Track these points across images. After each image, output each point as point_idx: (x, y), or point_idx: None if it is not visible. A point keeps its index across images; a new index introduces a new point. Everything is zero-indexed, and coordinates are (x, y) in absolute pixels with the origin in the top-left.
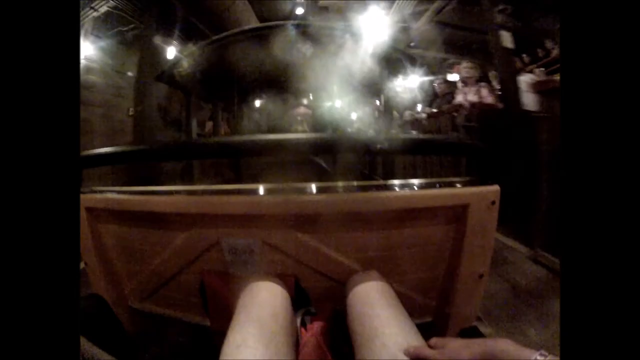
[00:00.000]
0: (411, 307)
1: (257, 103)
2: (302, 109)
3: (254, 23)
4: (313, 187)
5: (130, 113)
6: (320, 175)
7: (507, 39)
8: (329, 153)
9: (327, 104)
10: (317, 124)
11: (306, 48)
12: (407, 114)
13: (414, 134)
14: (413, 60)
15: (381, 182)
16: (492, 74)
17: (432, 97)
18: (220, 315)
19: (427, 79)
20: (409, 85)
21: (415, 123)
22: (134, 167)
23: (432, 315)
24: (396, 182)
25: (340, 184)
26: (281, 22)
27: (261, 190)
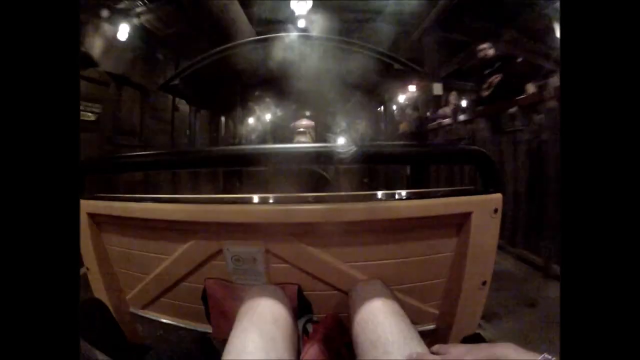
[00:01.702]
0: (414, 314)
1: (260, 114)
2: (304, 121)
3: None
4: (316, 196)
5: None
6: (321, 184)
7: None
8: (329, 163)
9: (330, 115)
10: (320, 136)
11: (309, 59)
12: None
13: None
14: (416, 70)
15: (383, 191)
16: None
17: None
18: (222, 323)
19: None
20: None
21: None
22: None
23: (434, 323)
24: (398, 191)
25: (343, 193)
26: (283, 34)
27: (264, 199)
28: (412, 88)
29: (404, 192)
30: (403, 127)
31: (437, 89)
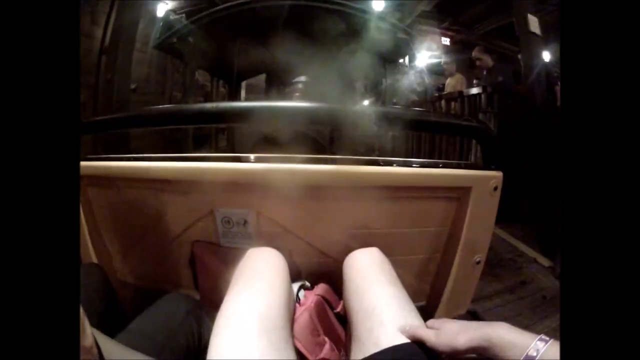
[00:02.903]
0: (405, 289)
1: (255, 75)
2: (299, 85)
3: None
4: (314, 158)
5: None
6: (317, 151)
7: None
8: (325, 124)
9: (325, 81)
10: (315, 100)
11: (308, 21)
12: None
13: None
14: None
15: (383, 158)
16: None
17: None
18: (209, 288)
19: None
20: None
21: None
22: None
23: (425, 299)
24: (398, 158)
25: (342, 156)
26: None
27: (258, 159)
28: (445, 40)
29: (404, 160)
30: (452, 83)
31: (534, 24)
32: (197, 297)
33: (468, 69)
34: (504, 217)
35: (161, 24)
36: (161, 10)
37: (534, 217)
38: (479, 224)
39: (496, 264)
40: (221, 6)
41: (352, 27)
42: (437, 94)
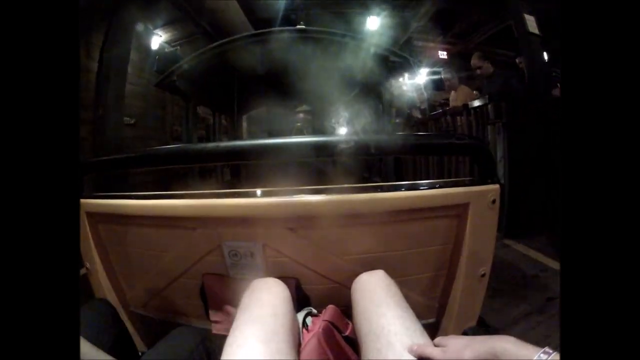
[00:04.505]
0: (414, 308)
1: (256, 108)
2: (301, 115)
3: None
4: (313, 189)
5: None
6: (319, 178)
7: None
8: (327, 156)
9: (326, 108)
10: (316, 129)
11: (304, 53)
12: None
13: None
14: (410, 61)
15: (381, 183)
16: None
17: None
18: (221, 319)
19: None
20: None
21: None
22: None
23: (435, 316)
24: (396, 183)
25: (340, 185)
26: (280, 29)
27: (261, 193)
28: (442, 54)
29: (401, 184)
30: (459, 96)
31: (532, 24)
32: (209, 326)
33: (468, 80)
34: (521, 232)
35: (157, 57)
36: (155, 43)
37: (548, 225)
38: (481, 238)
39: (520, 283)
40: (219, 42)
41: (350, 53)
42: (440, 110)
